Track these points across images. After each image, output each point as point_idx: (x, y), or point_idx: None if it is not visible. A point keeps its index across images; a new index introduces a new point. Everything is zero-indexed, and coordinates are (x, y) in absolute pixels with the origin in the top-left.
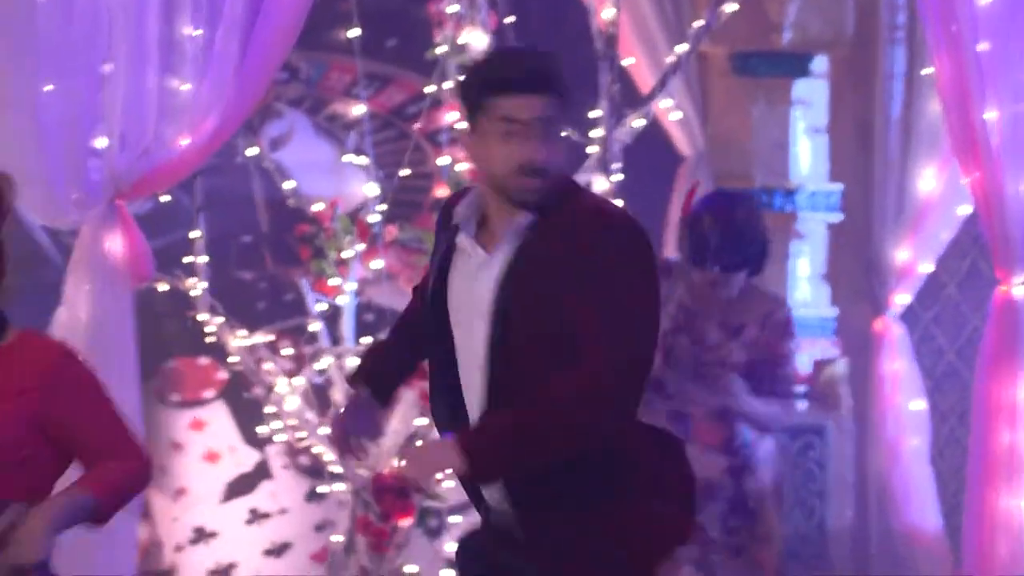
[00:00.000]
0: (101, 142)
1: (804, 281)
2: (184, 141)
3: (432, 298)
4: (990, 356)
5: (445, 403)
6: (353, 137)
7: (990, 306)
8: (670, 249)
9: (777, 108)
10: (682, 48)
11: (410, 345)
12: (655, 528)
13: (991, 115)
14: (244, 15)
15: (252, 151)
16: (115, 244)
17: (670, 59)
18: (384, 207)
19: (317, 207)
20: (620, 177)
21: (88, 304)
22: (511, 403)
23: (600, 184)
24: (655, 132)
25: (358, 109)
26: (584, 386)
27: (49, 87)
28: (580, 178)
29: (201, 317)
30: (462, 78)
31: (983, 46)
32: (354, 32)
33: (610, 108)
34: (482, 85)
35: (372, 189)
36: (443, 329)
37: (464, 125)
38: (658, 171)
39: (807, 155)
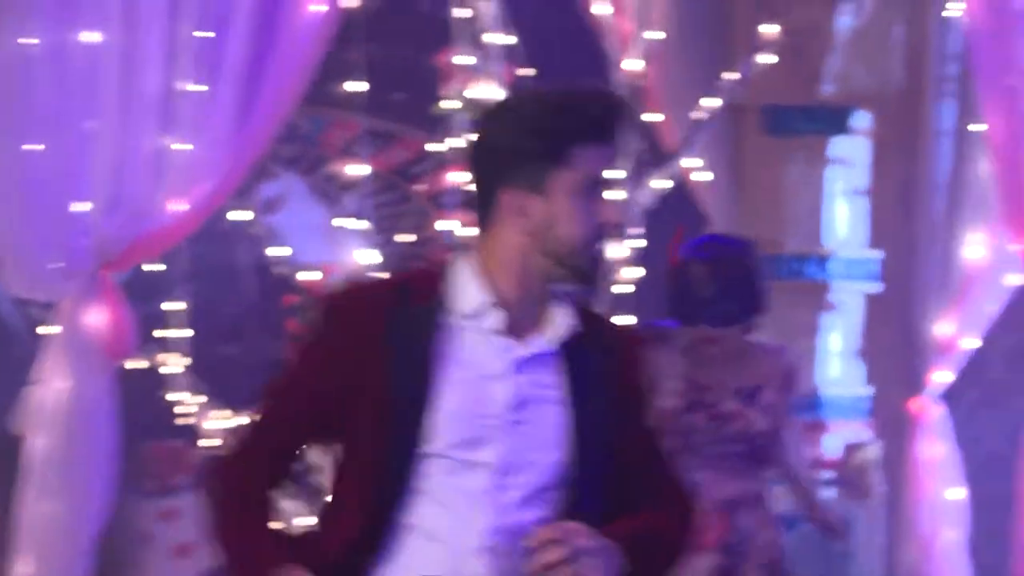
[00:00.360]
0: (85, 206)
1: (836, 357)
2: (178, 205)
3: (405, 401)
4: None
5: (359, 540)
6: (352, 199)
7: None
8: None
9: (814, 168)
10: (712, 102)
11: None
12: None
13: None
14: (248, 69)
15: (241, 215)
16: (98, 318)
17: (698, 115)
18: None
19: (306, 275)
20: (642, 243)
21: (66, 383)
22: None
23: (617, 251)
24: (681, 194)
25: (359, 169)
26: (690, 515)
27: (32, 147)
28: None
29: (178, 396)
30: (534, 120)
31: None
32: (359, 86)
33: (632, 168)
34: (575, 129)
35: (370, 256)
36: (406, 445)
37: (523, 182)
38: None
39: (844, 218)
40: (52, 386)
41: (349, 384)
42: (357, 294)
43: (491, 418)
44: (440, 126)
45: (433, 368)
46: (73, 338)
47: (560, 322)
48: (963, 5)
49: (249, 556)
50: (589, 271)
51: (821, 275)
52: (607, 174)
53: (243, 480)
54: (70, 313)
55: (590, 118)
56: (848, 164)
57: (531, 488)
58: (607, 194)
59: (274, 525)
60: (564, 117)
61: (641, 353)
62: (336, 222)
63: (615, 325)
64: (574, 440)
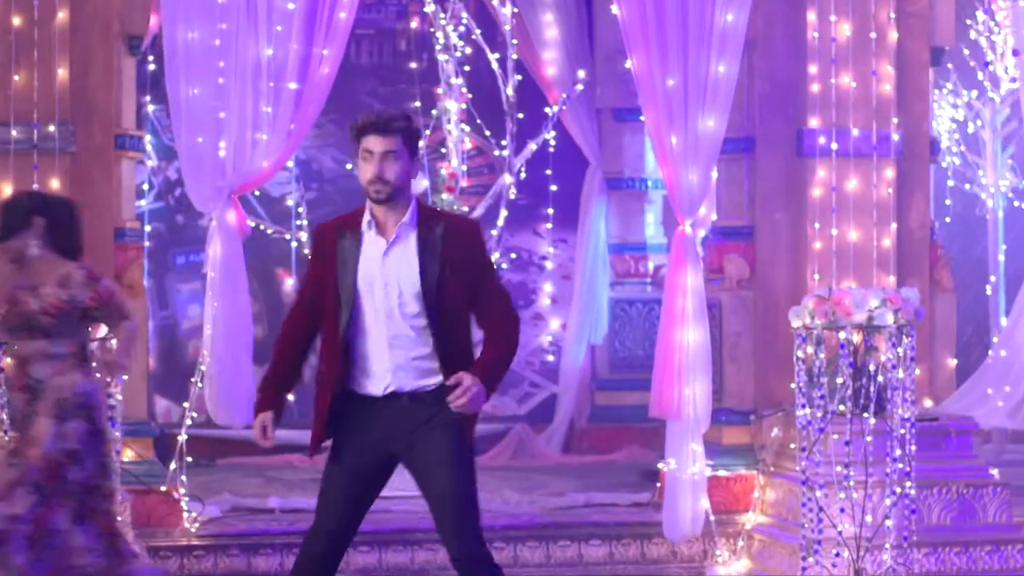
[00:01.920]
0: (227, 167)
1: None
2: (264, 164)
3: (346, 278)
4: None
5: (340, 357)
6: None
7: None
8: None
9: None
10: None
11: (295, 360)
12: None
13: None
14: (293, 98)
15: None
16: (232, 216)
17: (552, 109)
18: None
19: None
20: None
21: (222, 247)
22: (443, 330)
23: (507, 179)
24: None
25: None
26: (512, 314)
27: (200, 138)
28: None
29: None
30: (353, 124)
31: None
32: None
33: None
34: (360, 128)
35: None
36: (349, 298)
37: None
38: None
39: None
40: (215, 249)
41: (323, 272)
42: (325, 224)
43: (378, 276)
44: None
45: (355, 258)
46: (223, 226)
47: (404, 220)
48: None
49: (259, 389)
50: (374, 200)
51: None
52: (373, 149)
53: (283, 335)
54: (221, 214)
55: (365, 124)
56: None
57: (406, 311)
58: (372, 159)
59: (288, 368)
60: (359, 123)
61: (465, 228)
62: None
63: (444, 213)
64: (424, 278)
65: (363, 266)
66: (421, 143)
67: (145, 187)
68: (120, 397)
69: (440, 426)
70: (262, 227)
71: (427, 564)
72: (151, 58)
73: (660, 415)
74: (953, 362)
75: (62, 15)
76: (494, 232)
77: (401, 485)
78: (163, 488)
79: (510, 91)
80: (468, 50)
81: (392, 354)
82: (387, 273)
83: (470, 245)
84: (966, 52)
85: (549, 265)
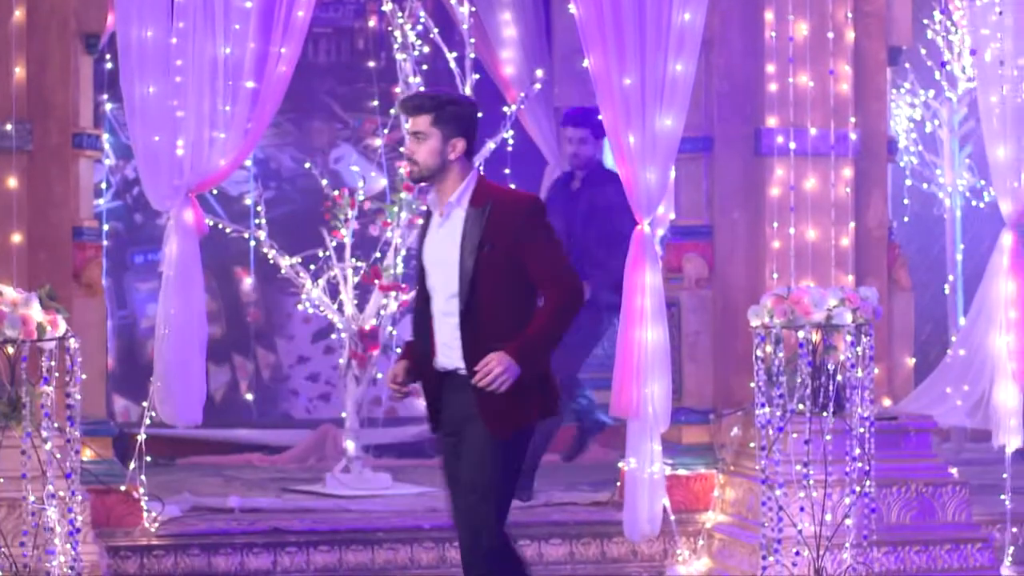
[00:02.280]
0: (184, 166)
1: None
2: (221, 162)
3: (420, 255)
4: None
5: (424, 325)
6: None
7: None
8: None
9: None
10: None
11: (421, 330)
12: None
13: None
14: (250, 97)
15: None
16: (189, 215)
17: (511, 108)
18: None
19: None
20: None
21: (178, 246)
22: (479, 310)
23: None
24: None
25: (378, 142)
26: (564, 288)
27: (157, 137)
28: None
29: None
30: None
31: None
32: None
33: None
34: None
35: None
36: (420, 274)
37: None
38: None
39: None
40: (170, 247)
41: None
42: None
43: (430, 254)
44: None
45: (424, 235)
46: (180, 224)
47: (451, 200)
48: None
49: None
50: (409, 179)
51: None
52: (409, 129)
53: (416, 311)
54: (178, 213)
55: (399, 104)
56: None
57: (447, 290)
58: (408, 139)
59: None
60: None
61: (512, 205)
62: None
63: (498, 190)
64: (461, 257)
65: (426, 243)
66: (466, 116)
67: (103, 186)
68: (79, 396)
69: (472, 417)
70: (220, 226)
71: (388, 564)
72: (108, 56)
73: (620, 414)
74: (911, 361)
75: (18, 13)
76: None
77: (359, 485)
78: (122, 488)
79: (468, 90)
80: (426, 49)
81: (440, 332)
82: (435, 251)
83: (515, 222)
84: (923, 52)
85: None
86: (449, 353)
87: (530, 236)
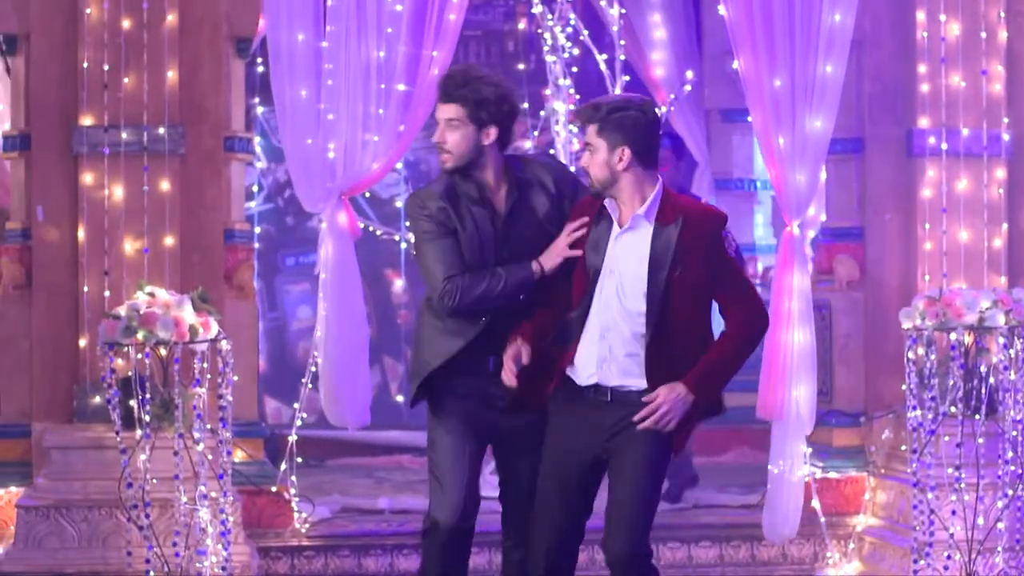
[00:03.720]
0: (336, 169)
1: None
2: (374, 165)
3: (594, 260)
4: None
5: (570, 330)
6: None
7: None
8: None
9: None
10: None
11: (551, 318)
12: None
13: None
14: (402, 100)
15: None
16: (343, 218)
17: (661, 110)
18: None
19: None
20: None
21: (333, 249)
22: (668, 333)
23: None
24: None
25: (528, 144)
26: (756, 311)
27: (308, 140)
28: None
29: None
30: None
31: None
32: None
33: None
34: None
35: None
36: (592, 280)
37: None
38: None
39: None
40: (327, 250)
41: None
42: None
43: (607, 264)
44: None
45: (605, 242)
46: (334, 228)
47: (639, 212)
48: None
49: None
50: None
51: None
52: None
53: (565, 315)
54: (331, 216)
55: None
56: None
57: (630, 308)
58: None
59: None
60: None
61: (708, 219)
62: None
63: (685, 203)
64: (656, 279)
65: (606, 251)
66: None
67: (255, 189)
68: (231, 398)
69: (631, 432)
70: (371, 228)
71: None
72: (260, 60)
73: (767, 416)
74: None
75: (171, 18)
76: None
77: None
78: (273, 489)
79: (618, 92)
80: (576, 51)
81: (601, 345)
82: (616, 262)
83: (707, 241)
84: None
85: None
86: (609, 368)
87: (720, 255)
